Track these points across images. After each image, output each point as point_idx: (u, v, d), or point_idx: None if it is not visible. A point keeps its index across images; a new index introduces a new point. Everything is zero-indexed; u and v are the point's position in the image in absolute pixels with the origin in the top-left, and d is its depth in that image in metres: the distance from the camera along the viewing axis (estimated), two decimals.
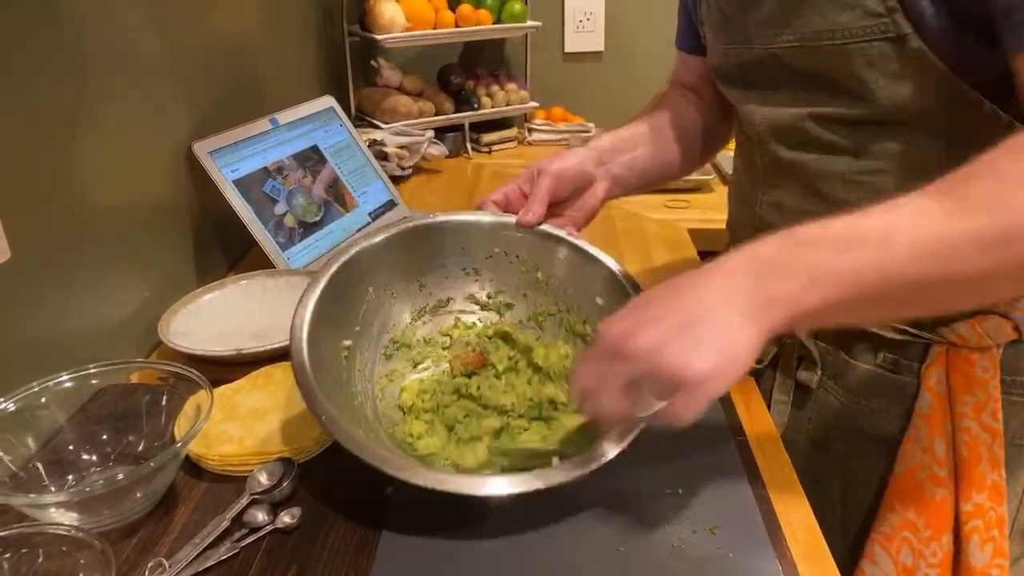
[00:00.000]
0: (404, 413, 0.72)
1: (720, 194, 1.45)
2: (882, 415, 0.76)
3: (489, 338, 0.80)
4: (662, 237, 1.23)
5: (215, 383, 0.79)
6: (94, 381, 0.69)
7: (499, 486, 0.56)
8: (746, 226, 0.83)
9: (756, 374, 0.85)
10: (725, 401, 0.77)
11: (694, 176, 1.49)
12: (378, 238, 0.77)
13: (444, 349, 0.80)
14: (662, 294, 0.52)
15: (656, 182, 0.91)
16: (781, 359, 0.84)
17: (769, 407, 0.83)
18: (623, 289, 0.72)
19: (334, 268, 0.73)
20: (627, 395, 0.51)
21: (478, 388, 0.73)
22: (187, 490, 0.67)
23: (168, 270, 0.98)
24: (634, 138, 0.89)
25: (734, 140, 0.90)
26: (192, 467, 0.69)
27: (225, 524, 0.61)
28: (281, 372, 0.82)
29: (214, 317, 0.94)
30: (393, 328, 0.78)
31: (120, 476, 0.67)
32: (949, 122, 0.63)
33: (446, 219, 0.79)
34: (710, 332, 0.48)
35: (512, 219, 0.78)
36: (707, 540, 0.59)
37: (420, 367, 0.78)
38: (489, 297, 0.81)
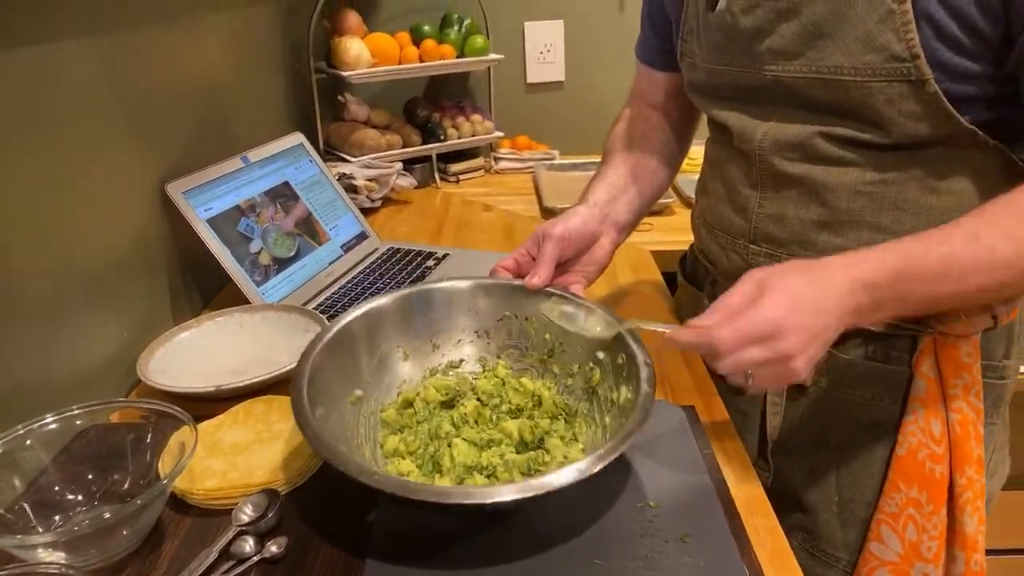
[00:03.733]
0: (389, 458, 0.74)
1: (681, 216, 1.50)
2: (877, 403, 0.80)
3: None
4: (627, 260, 1.27)
5: (196, 420, 0.81)
6: (78, 422, 0.71)
7: (483, 495, 0.58)
8: (738, 237, 0.84)
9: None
10: (691, 416, 0.80)
11: None
12: (390, 297, 0.80)
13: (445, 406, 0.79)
14: (801, 303, 0.61)
15: (647, 212, 0.96)
16: None
17: (764, 410, 0.86)
18: (624, 344, 0.72)
19: (349, 318, 0.77)
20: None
21: (457, 424, 0.75)
22: (173, 525, 0.68)
23: (144, 310, 0.99)
24: (623, 179, 0.92)
25: (704, 155, 0.94)
26: (177, 503, 0.70)
27: (213, 557, 0.63)
28: (262, 406, 0.83)
29: (192, 355, 0.95)
30: (403, 385, 0.80)
31: (106, 515, 0.68)
32: (949, 145, 0.69)
33: (459, 284, 0.82)
34: (826, 344, 0.62)
35: (521, 283, 0.81)
36: (679, 549, 0.62)
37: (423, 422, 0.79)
38: (499, 358, 0.82)
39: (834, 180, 0.74)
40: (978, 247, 0.62)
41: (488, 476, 0.68)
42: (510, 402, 0.76)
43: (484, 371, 0.81)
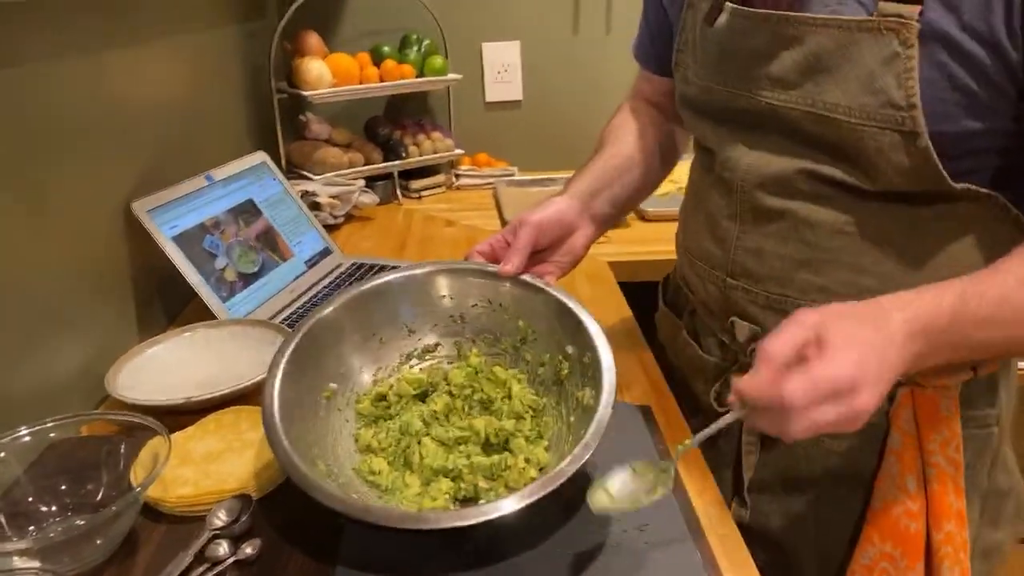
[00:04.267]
0: (362, 453, 0.76)
1: (636, 228, 1.54)
2: (853, 454, 0.77)
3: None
4: (585, 271, 1.31)
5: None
6: (52, 434, 0.72)
7: (449, 519, 0.61)
8: (716, 268, 0.81)
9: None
10: (650, 421, 0.84)
11: None
12: (370, 283, 0.82)
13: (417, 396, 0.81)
14: (868, 354, 0.55)
15: (634, 207, 0.96)
16: None
17: (739, 448, 0.84)
18: (590, 343, 0.74)
19: (326, 311, 0.79)
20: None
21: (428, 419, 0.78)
22: (147, 533, 0.70)
23: (111, 326, 1.00)
24: (611, 172, 0.91)
25: (688, 180, 0.90)
26: (150, 511, 0.72)
27: (188, 560, 0.65)
28: (231, 416, 0.85)
29: (159, 369, 0.97)
30: (379, 372, 0.82)
31: (80, 523, 0.69)
32: (938, 198, 0.67)
33: (434, 269, 0.84)
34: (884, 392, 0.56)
35: (495, 268, 0.81)
36: (637, 536, 0.66)
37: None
38: (474, 343, 0.83)
39: (816, 218, 0.71)
40: None
41: (454, 479, 0.71)
42: (482, 391, 0.78)
43: (460, 356, 0.83)
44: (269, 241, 1.24)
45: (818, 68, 0.66)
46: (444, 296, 0.84)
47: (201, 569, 0.65)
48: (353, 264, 1.33)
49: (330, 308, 0.80)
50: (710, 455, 0.81)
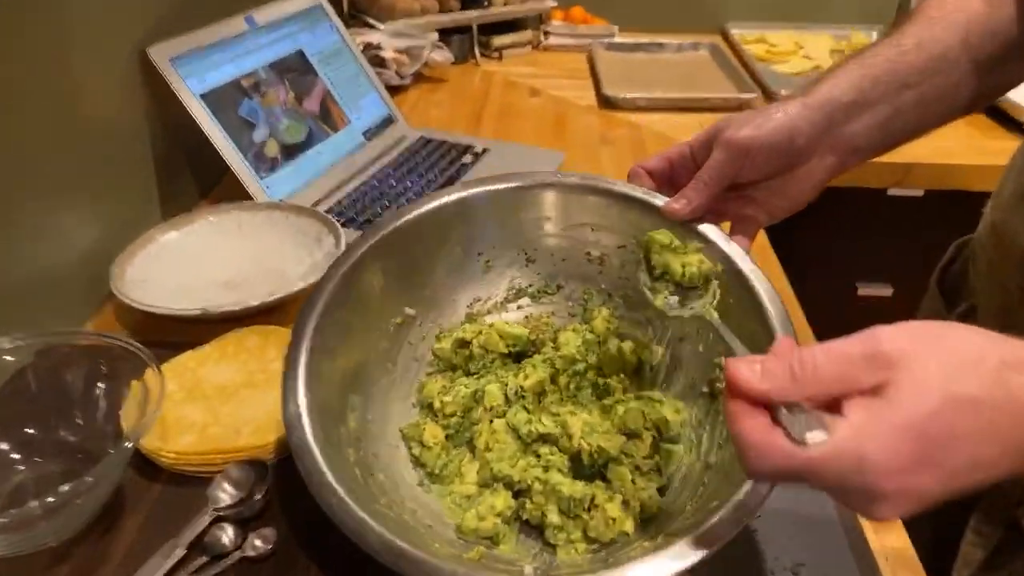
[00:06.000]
0: (422, 409, 0.58)
1: None
2: None
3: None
4: None
5: (176, 347, 0.66)
6: (8, 358, 0.55)
7: None
8: None
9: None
10: None
11: (733, 93, 1.32)
12: (488, 186, 0.60)
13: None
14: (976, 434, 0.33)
15: (915, 138, 0.58)
16: (989, 494, 0.61)
17: (955, 554, 0.63)
18: (773, 338, 0.48)
19: (432, 204, 0.58)
20: None
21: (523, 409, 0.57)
22: (135, 496, 0.54)
23: (122, 203, 0.82)
24: (894, 77, 0.55)
25: None
26: (143, 462, 0.56)
27: (181, 552, 0.49)
28: (257, 338, 0.68)
29: (178, 261, 0.79)
30: (476, 304, 0.63)
31: (64, 489, 0.51)
32: None
33: (577, 181, 0.60)
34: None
35: (661, 201, 0.56)
36: None
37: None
38: (609, 297, 0.62)
39: None
40: None
41: (517, 494, 0.52)
42: (599, 374, 0.58)
43: (584, 314, 0.62)
44: (321, 106, 1.02)
45: None
46: (584, 225, 0.60)
47: (198, 563, 0.49)
48: (420, 138, 1.11)
49: (435, 202, 0.59)
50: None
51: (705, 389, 0.54)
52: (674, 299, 0.53)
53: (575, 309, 0.63)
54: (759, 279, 0.52)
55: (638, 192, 0.57)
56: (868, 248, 1.23)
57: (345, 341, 0.54)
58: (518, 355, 0.61)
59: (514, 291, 0.63)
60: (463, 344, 0.60)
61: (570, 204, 0.60)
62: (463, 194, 0.59)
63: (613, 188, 0.59)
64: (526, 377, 0.57)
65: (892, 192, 1.14)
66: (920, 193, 1.16)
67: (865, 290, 1.28)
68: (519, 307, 0.64)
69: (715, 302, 0.51)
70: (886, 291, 1.28)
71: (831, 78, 0.55)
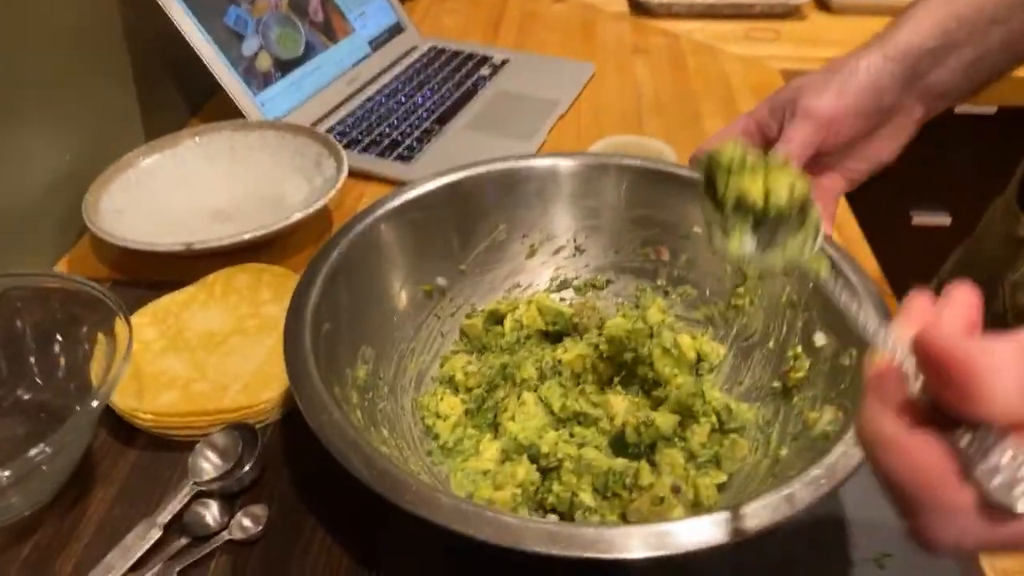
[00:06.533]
0: (442, 383, 0.51)
1: (815, 22, 1.14)
2: None
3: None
4: (747, 80, 0.96)
5: (157, 287, 0.58)
6: None
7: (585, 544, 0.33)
8: None
9: None
10: None
11: None
12: (541, 160, 0.55)
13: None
14: None
15: (998, 80, 0.53)
16: None
17: None
18: (857, 326, 0.34)
19: (479, 169, 0.54)
20: None
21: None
22: (108, 462, 0.47)
23: (99, 121, 0.73)
24: (981, 14, 0.49)
25: None
26: (118, 424, 0.48)
27: (157, 534, 0.42)
28: (248, 277, 0.59)
29: (161, 188, 0.71)
30: (516, 291, 0.56)
31: (32, 454, 0.45)
32: None
33: (636, 164, 0.54)
34: None
35: None
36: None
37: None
38: (666, 293, 0.55)
39: None
40: None
41: (542, 471, 0.43)
42: (649, 365, 0.48)
43: (638, 304, 0.55)
44: (320, 11, 0.91)
45: None
46: (642, 214, 0.54)
47: (177, 546, 0.42)
48: (432, 48, 1.00)
49: (483, 168, 0.54)
50: None
51: (776, 384, 0.46)
52: (752, 242, 0.38)
53: (624, 308, 0.55)
54: (853, 269, 0.44)
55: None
56: (926, 173, 1.11)
57: (364, 289, 0.48)
58: (556, 337, 0.53)
59: (558, 282, 0.57)
60: (497, 320, 0.53)
61: (629, 190, 0.54)
62: (511, 165, 0.54)
63: (678, 173, 0.53)
64: (565, 351, 0.49)
65: (960, 110, 1.02)
66: (993, 110, 1.04)
67: (920, 219, 1.18)
68: (561, 299, 0.56)
69: (818, 243, 0.37)
70: (944, 220, 1.17)
71: (911, 20, 0.50)
